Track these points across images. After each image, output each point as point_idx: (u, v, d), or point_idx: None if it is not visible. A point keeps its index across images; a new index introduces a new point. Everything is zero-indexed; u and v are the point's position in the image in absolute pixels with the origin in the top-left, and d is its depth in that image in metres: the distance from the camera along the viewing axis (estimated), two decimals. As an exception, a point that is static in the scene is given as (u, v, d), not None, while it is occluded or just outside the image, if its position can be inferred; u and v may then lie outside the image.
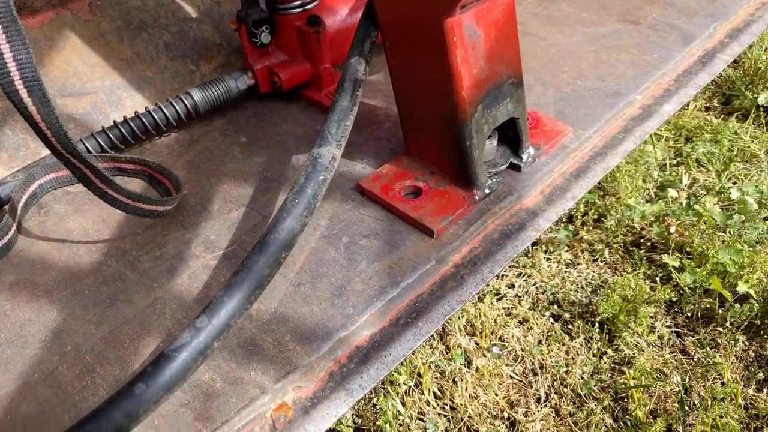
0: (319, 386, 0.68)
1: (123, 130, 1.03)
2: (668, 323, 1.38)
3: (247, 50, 1.09)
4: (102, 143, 1.02)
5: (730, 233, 1.52)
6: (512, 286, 1.52)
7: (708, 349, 1.31)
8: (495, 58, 0.82)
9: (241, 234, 0.88)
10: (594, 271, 1.52)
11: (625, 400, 1.23)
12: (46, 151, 1.05)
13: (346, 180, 0.95)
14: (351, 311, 0.75)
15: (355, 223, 0.88)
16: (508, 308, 1.46)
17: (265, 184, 0.96)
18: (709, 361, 1.28)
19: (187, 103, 1.07)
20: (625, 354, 1.30)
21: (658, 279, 1.44)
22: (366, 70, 0.80)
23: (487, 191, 0.89)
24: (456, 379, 1.30)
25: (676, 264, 1.41)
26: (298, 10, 1.08)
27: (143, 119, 1.04)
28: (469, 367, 1.33)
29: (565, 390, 1.27)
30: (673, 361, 1.29)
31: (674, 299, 1.39)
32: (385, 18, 0.83)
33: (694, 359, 1.30)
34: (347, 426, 1.24)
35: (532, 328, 1.41)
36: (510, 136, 0.94)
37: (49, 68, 1.11)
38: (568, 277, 1.51)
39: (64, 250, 0.88)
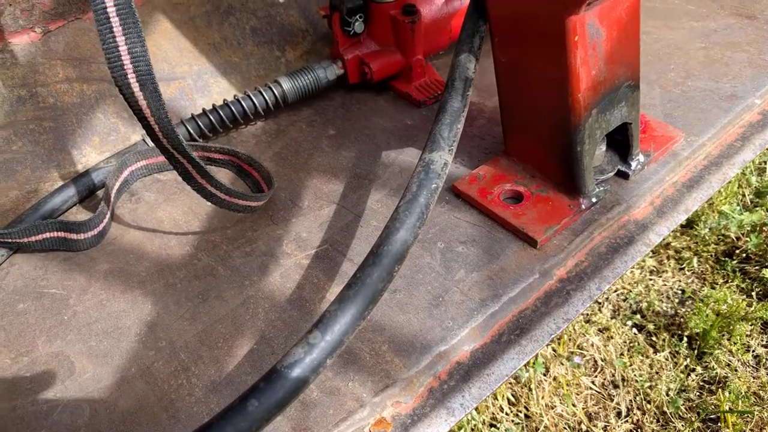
0: (419, 403, 0.65)
1: (212, 118, 1.02)
2: (765, 342, 1.29)
3: (338, 39, 1.06)
4: (191, 131, 1.01)
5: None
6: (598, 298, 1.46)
7: (809, 373, 1.22)
8: (615, 59, 0.76)
9: (333, 233, 0.85)
10: (681, 281, 1.43)
11: (717, 423, 1.16)
12: (136, 137, 1.06)
13: (439, 180, 0.91)
14: (450, 324, 0.71)
15: (450, 227, 0.84)
16: (588, 315, 1.39)
17: (356, 181, 0.94)
18: (811, 388, 1.19)
19: (275, 92, 1.04)
20: (717, 373, 1.23)
21: (754, 294, 1.35)
22: (476, 68, 0.76)
23: (593, 200, 0.83)
24: (532, 387, 1.25)
25: (778, 280, 1.32)
26: (394, -1, 1.03)
27: (232, 108, 1.02)
28: (546, 375, 1.28)
29: (649, 406, 1.21)
30: (771, 384, 1.21)
31: (774, 318, 1.30)
32: (497, 12, 0.77)
33: (794, 384, 1.21)
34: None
35: (613, 338, 1.34)
36: (618, 140, 0.88)
37: (141, 52, 1.10)
38: (653, 285, 1.43)
39: (156, 240, 0.87)
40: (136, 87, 0.61)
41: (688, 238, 1.50)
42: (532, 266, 0.77)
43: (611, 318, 1.37)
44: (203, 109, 1.03)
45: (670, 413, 1.18)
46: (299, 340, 0.52)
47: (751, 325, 1.29)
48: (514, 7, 0.75)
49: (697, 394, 1.20)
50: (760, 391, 1.18)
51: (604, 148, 0.86)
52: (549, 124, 0.80)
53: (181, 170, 0.73)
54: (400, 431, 0.62)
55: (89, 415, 0.65)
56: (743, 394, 1.17)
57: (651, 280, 1.45)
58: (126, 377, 0.69)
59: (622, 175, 0.88)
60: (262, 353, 0.70)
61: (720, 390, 1.19)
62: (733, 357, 1.25)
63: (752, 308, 1.30)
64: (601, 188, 0.85)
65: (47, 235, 0.83)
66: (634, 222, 0.83)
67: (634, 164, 0.87)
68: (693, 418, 1.16)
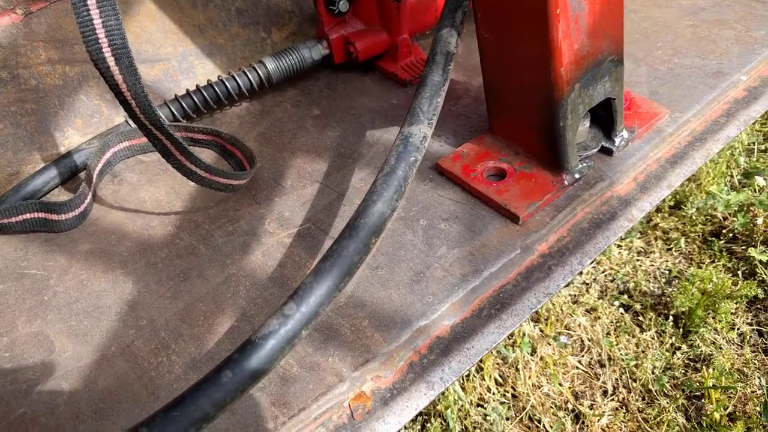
0: (398, 377, 0.65)
1: (196, 98, 1.01)
2: (749, 320, 1.30)
3: (323, 18, 1.05)
4: (175, 111, 1.00)
5: (825, 228, 1.41)
6: (580, 272, 1.46)
7: (794, 351, 1.23)
8: (598, 32, 0.76)
9: (316, 212, 0.85)
10: (668, 261, 1.44)
11: (701, 399, 1.17)
12: (120, 119, 1.05)
13: (423, 158, 0.90)
14: (431, 299, 0.71)
15: (433, 205, 0.83)
16: (575, 296, 1.40)
17: (340, 160, 0.93)
18: (795, 365, 1.20)
19: (260, 72, 1.04)
20: (702, 351, 1.24)
21: (740, 273, 1.35)
22: (458, 42, 0.75)
23: (577, 176, 0.83)
24: (519, 367, 1.26)
25: (764, 259, 1.32)
26: (378, -23, 1.02)
27: (216, 88, 1.02)
28: (533, 355, 1.28)
29: (635, 384, 1.22)
30: (755, 361, 1.22)
31: (759, 296, 1.31)
32: (478, -14, 0.77)
33: (779, 361, 1.22)
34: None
35: (600, 318, 1.35)
36: (602, 117, 0.87)
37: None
38: (640, 265, 1.44)
39: (138, 221, 0.87)
40: (111, 61, 0.60)
41: (676, 219, 1.50)
42: (514, 242, 0.77)
43: (598, 298, 1.38)
44: (187, 90, 1.02)
45: (656, 391, 1.19)
46: (274, 311, 0.52)
47: (736, 304, 1.29)
48: (494, -19, 0.74)
49: (682, 371, 1.21)
50: (744, 368, 1.19)
51: (587, 124, 0.86)
52: (532, 100, 0.80)
53: (159, 147, 0.72)
54: (379, 405, 0.63)
55: (69, 393, 0.65)
56: (727, 370, 1.18)
57: (638, 260, 1.45)
58: (106, 356, 0.69)
59: (606, 152, 0.88)
60: (242, 330, 0.70)
61: (704, 367, 1.19)
62: (718, 335, 1.25)
63: (738, 287, 1.30)
64: (585, 164, 0.84)
65: (27, 215, 0.83)
66: (617, 198, 0.83)
67: (617, 140, 0.87)
68: (678, 395, 1.17)
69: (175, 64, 1.12)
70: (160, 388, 0.65)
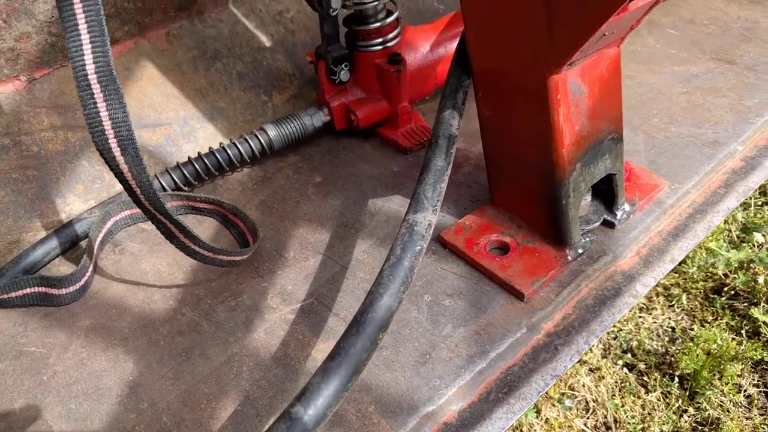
0: (405, 468, 0.63)
1: (197, 166, 1.01)
2: (755, 381, 1.28)
3: (324, 87, 1.07)
4: (176, 179, 1.01)
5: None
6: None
7: (801, 414, 1.21)
8: (597, 114, 0.77)
9: (319, 285, 0.84)
10: (671, 318, 1.43)
11: (710, 467, 1.15)
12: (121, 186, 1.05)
13: (426, 229, 0.90)
14: (438, 383, 0.70)
15: (437, 279, 0.83)
16: (578, 355, 1.38)
17: (342, 231, 0.93)
18: (803, 430, 1.18)
19: (261, 139, 1.04)
20: (709, 414, 1.22)
21: (743, 332, 1.35)
22: (459, 124, 0.76)
23: (580, 251, 0.83)
24: (524, 430, 1.24)
25: (767, 320, 1.32)
26: (380, 47, 1.04)
27: (218, 155, 1.02)
28: (537, 417, 1.26)
29: (642, 449, 1.20)
30: (764, 426, 1.20)
31: (765, 358, 1.30)
32: (480, 68, 0.78)
33: (786, 425, 1.20)
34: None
35: (604, 377, 1.33)
36: (603, 190, 0.88)
37: (127, 99, 1.08)
38: (643, 323, 1.43)
39: (139, 294, 0.86)
40: (117, 152, 0.60)
41: (677, 275, 1.50)
42: (520, 320, 0.76)
43: (602, 357, 1.37)
44: (189, 157, 1.03)
45: (663, 457, 1.17)
46: (281, 414, 0.51)
47: (741, 365, 1.28)
48: (496, 64, 0.75)
49: (690, 436, 1.20)
50: (753, 434, 1.18)
51: (589, 198, 0.87)
52: (534, 177, 0.81)
53: (163, 230, 0.72)
54: (386, 499, 0.61)
55: (67, 485, 0.64)
56: (735, 437, 1.16)
57: (641, 317, 1.44)
58: (106, 443, 0.67)
59: (608, 225, 0.88)
60: (246, 415, 0.69)
61: (712, 433, 1.18)
62: (725, 397, 1.24)
63: (742, 347, 1.29)
64: (587, 238, 0.85)
65: (28, 290, 0.82)
66: (621, 273, 0.83)
67: (619, 214, 0.88)
68: (686, 463, 1.15)
69: (177, 128, 1.13)
70: (161, 479, 0.64)
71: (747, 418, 1.20)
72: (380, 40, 1.04)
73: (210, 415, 0.70)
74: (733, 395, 1.24)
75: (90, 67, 0.58)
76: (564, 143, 0.74)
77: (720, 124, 1.06)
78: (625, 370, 1.34)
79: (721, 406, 1.23)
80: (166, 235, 0.74)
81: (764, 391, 1.26)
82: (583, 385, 1.32)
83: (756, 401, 1.24)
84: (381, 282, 0.58)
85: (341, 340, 0.55)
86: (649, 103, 1.14)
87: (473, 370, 0.71)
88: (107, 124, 0.59)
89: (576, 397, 1.30)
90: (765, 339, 1.31)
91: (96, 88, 0.58)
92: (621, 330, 1.41)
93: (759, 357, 1.28)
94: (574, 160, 0.76)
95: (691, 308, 1.44)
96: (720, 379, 1.25)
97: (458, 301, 0.80)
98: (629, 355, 1.37)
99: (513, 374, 0.71)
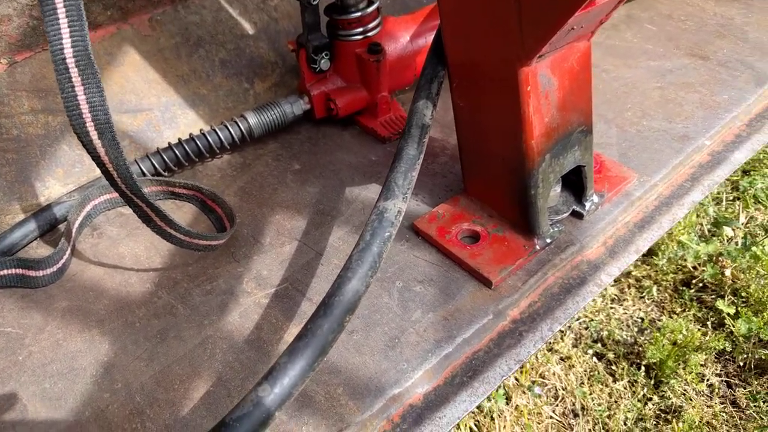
0: (371, 447, 0.66)
1: (177, 152, 1.02)
2: (718, 371, 1.33)
3: (304, 75, 1.08)
4: (156, 164, 1.01)
5: (790, 281, 1.46)
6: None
7: (761, 403, 1.26)
8: (567, 106, 0.79)
9: (294, 271, 0.86)
10: (641, 309, 1.47)
11: (672, 452, 1.19)
12: (101, 169, 1.06)
13: (400, 218, 0.92)
14: (405, 366, 0.72)
15: (409, 266, 0.85)
16: (550, 343, 1.42)
17: (318, 218, 0.95)
18: (762, 417, 1.23)
19: (242, 126, 1.06)
20: (672, 402, 1.26)
21: (709, 323, 1.39)
22: (433, 114, 0.78)
23: (548, 240, 0.86)
24: (494, 417, 1.27)
25: (731, 311, 1.36)
26: (360, 37, 1.05)
27: (197, 142, 1.03)
28: (507, 404, 1.30)
29: (608, 435, 1.23)
30: (724, 413, 1.24)
31: (727, 348, 1.34)
32: (454, 59, 0.80)
33: (746, 413, 1.25)
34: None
35: (574, 366, 1.37)
36: (573, 181, 0.90)
37: (108, 84, 1.11)
38: (614, 313, 1.47)
39: (116, 277, 0.87)
40: (94, 135, 0.62)
41: (648, 267, 1.54)
42: (487, 307, 0.79)
43: (573, 346, 1.40)
44: (168, 143, 1.04)
45: (628, 442, 1.21)
46: (248, 392, 0.53)
47: (705, 355, 1.32)
48: (469, 56, 0.77)
49: (654, 423, 1.23)
50: (713, 420, 1.22)
51: (558, 189, 0.89)
52: (504, 168, 0.83)
53: (140, 213, 0.73)
54: (352, 476, 0.63)
55: (40, 460, 0.65)
56: (696, 423, 1.20)
57: (612, 308, 1.48)
58: (79, 421, 0.69)
59: (577, 215, 0.91)
60: (218, 396, 0.71)
61: (675, 419, 1.22)
62: (689, 386, 1.28)
63: (707, 338, 1.33)
64: (556, 228, 0.87)
65: (5, 272, 0.83)
66: (586, 262, 0.85)
67: (588, 205, 0.90)
68: (649, 448, 1.19)
69: (158, 114, 1.14)
70: (133, 456, 0.66)
71: (708, 406, 1.24)
72: (360, 29, 1.05)
73: (183, 395, 0.71)
74: (696, 384, 1.28)
75: (68, 51, 0.59)
76: (533, 134, 0.76)
77: (690, 119, 1.09)
78: (595, 359, 1.38)
79: (684, 394, 1.27)
80: (143, 219, 0.75)
81: (726, 381, 1.30)
82: (554, 374, 1.35)
83: (717, 390, 1.28)
84: (350, 266, 0.60)
85: (309, 322, 0.57)
86: (623, 97, 1.16)
87: (440, 354, 0.74)
88: (85, 108, 0.60)
89: (546, 385, 1.33)
90: (729, 330, 1.35)
91: (74, 72, 0.59)
92: (592, 320, 1.45)
93: (722, 347, 1.32)
94: (543, 151, 0.78)
95: (661, 300, 1.48)
96: (684, 368, 1.29)
97: (428, 288, 0.82)
98: (599, 344, 1.40)
99: (478, 359, 0.74)
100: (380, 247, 0.63)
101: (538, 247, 0.85)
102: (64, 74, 0.59)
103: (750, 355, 1.31)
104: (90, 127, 0.61)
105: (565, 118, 0.80)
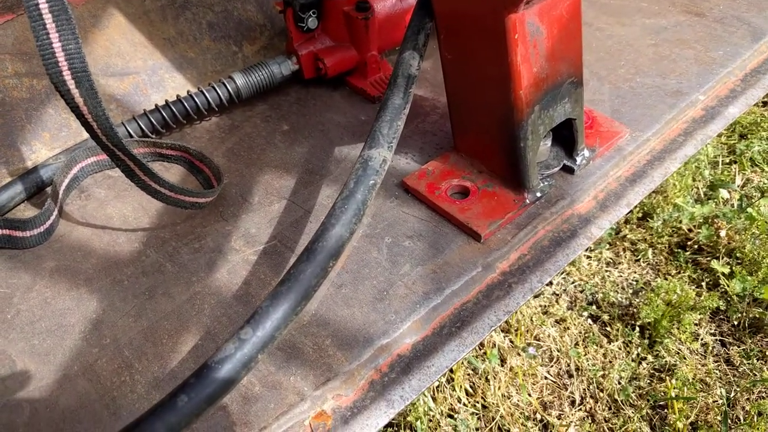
0: (359, 395, 0.66)
1: (164, 114, 1.01)
2: (713, 330, 1.33)
3: (292, 34, 1.06)
4: (143, 127, 1.00)
5: (785, 240, 1.45)
6: (550, 283, 1.48)
7: (754, 360, 1.26)
8: (556, 56, 0.78)
9: (282, 229, 0.85)
10: (636, 272, 1.47)
11: (665, 409, 1.20)
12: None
13: (389, 175, 0.92)
14: (393, 317, 0.72)
15: (398, 222, 0.85)
16: (545, 306, 1.42)
17: (307, 177, 0.94)
18: (755, 374, 1.23)
19: (229, 87, 1.04)
20: (666, 361, 1.26)
21: (704, 284, 1.39)
22: (420, 65, 0.77)
23: (538, 194, 0.85)
24: (489, 378, 1.28)
25: (726, 271, 1.36)
26: (347, -6, 1.04)
27: (185, 103, 1.02)
28: (502, 366, 1.30)
29: (602, 395, 1.24)
30: (717, 371, 1.25)
31: (722, 307, 1.34)
32: (441, 9, 0.78)
33: (739, 371, 1.25)
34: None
35: (569, 329, 1.37)
36: (564, 136, 0.89)
37: (93, 47, 1.09)
38: (609, 276, 1.47)
39: (104, 237, 0.87)
40: (71, 84, 0.60)
41: (644, 230, 1.53)
42: (476, 260, 0.78)
43: (568, 309, 1.40)
44: (156, 105, 1.02)
45: (621, 401, 1.22)
46: (231, 335, 0.53)
47: (700, 315, 1.32)
48: (456, 5, 0.76)
49: (647, 381, 1.24)
50: (707, 378, 1.22)
51: (549, 143, 0.88)
52: (493, 121, 0.82)
53: (123, 167, 0.73)
54: (339, 424, 0.63)
55: (29, 414, 0.65)
56: (690, 381, 1.21)
57: (607, 271, 1.48)
58: (68, 375, 0.69)
59: (568, 170, 0.90)
60: (206, 349, 0.71)
61: (668, 377, 1.22)
62: (683, 345, 1.28)
63: (701, 298, 1.33)
64: (546, 183, 0.86)
65: (-9, 232, 0.82)
66: (577, 216, 0.85)
67: (579, 159, 0.89)
68: (643, 405, 1.20)
69: (145, 77, 1.13)
70: (122, 408, 0.66)
71: (702, 365, 1.25)
72: (348, -14, 1.03)
73: (171, 349, 0.71)
74: (690, 343, 1.28)
75: (40, -2, 0.57)
76: (522, 84, 0.75)
77: (684, 75, 1.07)
78: (590, 321, 1.38)
79: (678, 353, 1.27)
80: (127, 174, 0.74)
81: (720, 339, 1.30)
82: (549, 336, 1.35)
83: (711, 348, 1.28)
84: (333, 213, 0.60)
85: (292, 267, 0.56)
86: (617, 54, 1.15)
87: (428, 305, 0.73)
88: (60, 56, 0.59)
89: (541, 347, 1.34)
90: (723, 290, 1.35)
91: (48, 17, 0.58)
92: (587, 283, 1.45)
93: (716, 306, 1.32)
94: (532, 102, 0.77)
95: (656, 262, 1.47)
96: (678, 328, 1.30)
97: (417, 243, 0.81)
98: (594, 307, 1.40)
99: (467, 310, 0.74)
100: (364, 195, 0.62)
101: (528, 201, 0.84)
102: (38, 21, 0.58)
103: (744, 314, 1.31)
104: (67, 75, 0.60)
105: (554, 69, 0.79)
